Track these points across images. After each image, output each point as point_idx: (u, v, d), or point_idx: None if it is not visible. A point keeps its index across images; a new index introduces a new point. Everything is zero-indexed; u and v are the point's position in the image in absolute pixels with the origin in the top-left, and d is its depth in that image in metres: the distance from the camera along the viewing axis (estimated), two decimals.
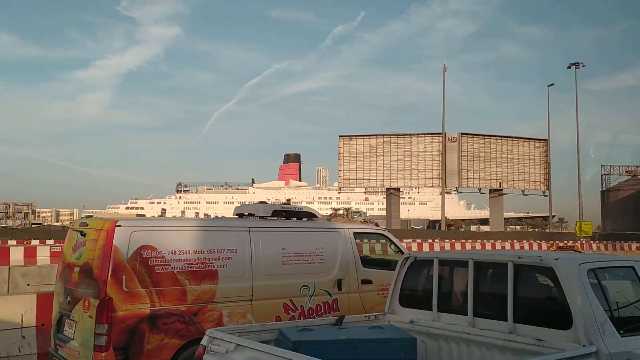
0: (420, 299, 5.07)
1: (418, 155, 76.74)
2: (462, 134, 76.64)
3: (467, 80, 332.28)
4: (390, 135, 77.76)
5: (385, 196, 79.35)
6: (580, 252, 12.16)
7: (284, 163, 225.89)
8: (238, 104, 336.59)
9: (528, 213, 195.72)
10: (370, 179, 77.67)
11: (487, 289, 4.66)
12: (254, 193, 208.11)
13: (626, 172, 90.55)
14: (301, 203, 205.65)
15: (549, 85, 56.05)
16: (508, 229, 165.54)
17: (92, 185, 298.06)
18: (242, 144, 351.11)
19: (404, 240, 37.90)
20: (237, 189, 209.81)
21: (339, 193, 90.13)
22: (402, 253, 7.40)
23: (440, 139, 76.37)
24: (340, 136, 78.47)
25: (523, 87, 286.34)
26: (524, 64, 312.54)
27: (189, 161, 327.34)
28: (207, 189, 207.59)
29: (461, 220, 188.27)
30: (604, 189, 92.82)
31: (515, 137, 79.16)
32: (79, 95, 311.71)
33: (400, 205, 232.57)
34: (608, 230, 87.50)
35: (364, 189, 79.93)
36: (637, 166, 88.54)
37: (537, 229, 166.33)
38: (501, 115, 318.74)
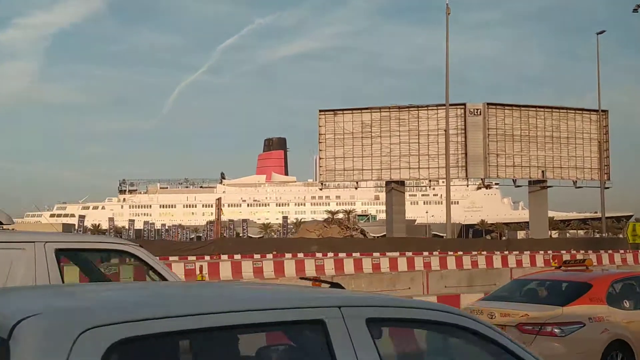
0: None
1: (429, 135, 74.51)
2: (488, 104, 74.34)
3: (514, 37, 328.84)
4: (389, 108, 75.53)
5: (393, 192, 77.07)
6: (590, 269, 10.43)
7: (264, 151, 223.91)
8: (208, 73, 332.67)
9: (596, 213, 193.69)
10: (363, 170, 75.51)
11: None
12: (223, 192, 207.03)
13: None
14: (288, 204, 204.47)
15: (598, 34, 53.17)
16: (568, 234, 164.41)
17: (14, 185, 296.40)
18: (214, 127, 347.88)
19: (387, 254, 35.57)
20: (202, 187, 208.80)
21: (321, 189, 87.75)
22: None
23: (459, 111, 74.14)
24: (320, 111, 76.29)
25: (587, 44, 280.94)
26: (589, 12, 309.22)
27: (144, 151, 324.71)
28: (161, 188, 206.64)
29: (504, 223, 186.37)
30: None
31: (561, 108, 76.82)
32: None
33: (422, 205, 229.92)
34: None
35: (355, 183, 77.74)
36: None
37: (607, 234, 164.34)
38: (558, 82, 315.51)
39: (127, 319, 2.46)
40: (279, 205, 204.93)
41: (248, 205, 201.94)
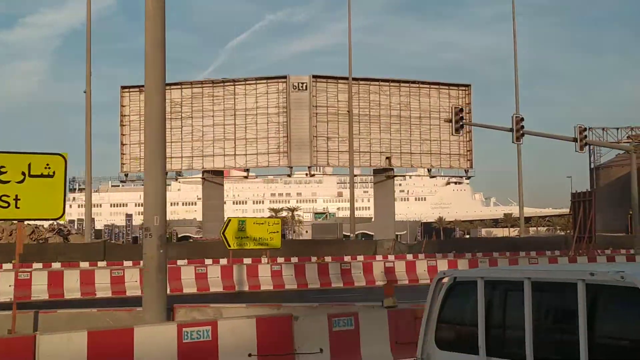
0: (463, 338, 5.01)
1: (246, 115, 60.67)
2: (315, 77, 60.18)
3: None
4: (202, 82, 62.02)
5: (207, 184, 63.25)
6: None
7: None
8: (217, 71, 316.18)
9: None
10: (171, 157, 61.57)
11: (551, 321, 4.51)
12: (178, 190, 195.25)
13: (628, 137, 73.08)
14: (245, 202, 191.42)
15: None
16: (531, 232, 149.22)
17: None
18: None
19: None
20: None
21: (124, 182, 74.12)
22: None
23: (281, 86, 60.21)
24: (122, 87, 62.90)
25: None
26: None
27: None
28: (113, 186, 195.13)
29: (470, 221, 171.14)
30: (592, 166, 75.58)
31: (412, 82, 62.32)
32: (3, 65, 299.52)
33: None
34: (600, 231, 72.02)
35: (174, 173, 63.94)
36: None
37: (567, 232, 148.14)
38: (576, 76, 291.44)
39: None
40: (236, 204, 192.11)
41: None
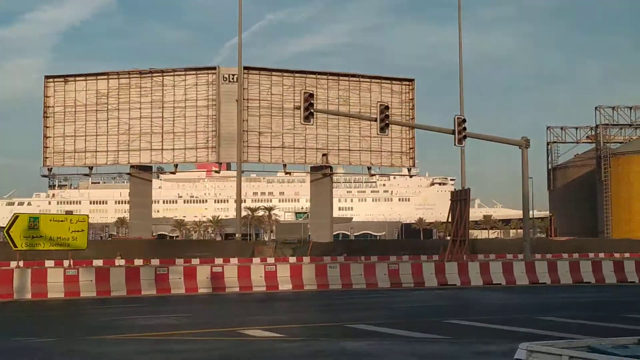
0: None
1: (175, 108, 57.12)
2: (246, 68, 56.52)
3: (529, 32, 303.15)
4: (129, 72, 58.32)
5: (134, 181, 59.65)
6: None
7: None
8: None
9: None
10: (96, 151, 58.20)
11: None
12: (159, 187, 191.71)
13: (587, 137, 69.42)
14: (227, 201, 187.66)
15: None
16: (511, 234, 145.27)
17: (19, 180, 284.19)
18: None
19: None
20: None
21: (49, 177, 69.82)
22: None
23: (210, 77, 56.68)
24: (47, 77, 59.39)
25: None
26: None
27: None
28: (93, 183, 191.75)
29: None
30: (550, 166, 71.82)
31: (352, 76, 58.61)
32: (2, 61, 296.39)
33: (370, 202, 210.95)
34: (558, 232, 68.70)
35: (88, 168, 60.32)
36: (597, 126, 66.86)
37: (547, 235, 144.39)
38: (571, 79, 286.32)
39: None
40: (218, 202, 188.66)
41: (185, 201, 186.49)
